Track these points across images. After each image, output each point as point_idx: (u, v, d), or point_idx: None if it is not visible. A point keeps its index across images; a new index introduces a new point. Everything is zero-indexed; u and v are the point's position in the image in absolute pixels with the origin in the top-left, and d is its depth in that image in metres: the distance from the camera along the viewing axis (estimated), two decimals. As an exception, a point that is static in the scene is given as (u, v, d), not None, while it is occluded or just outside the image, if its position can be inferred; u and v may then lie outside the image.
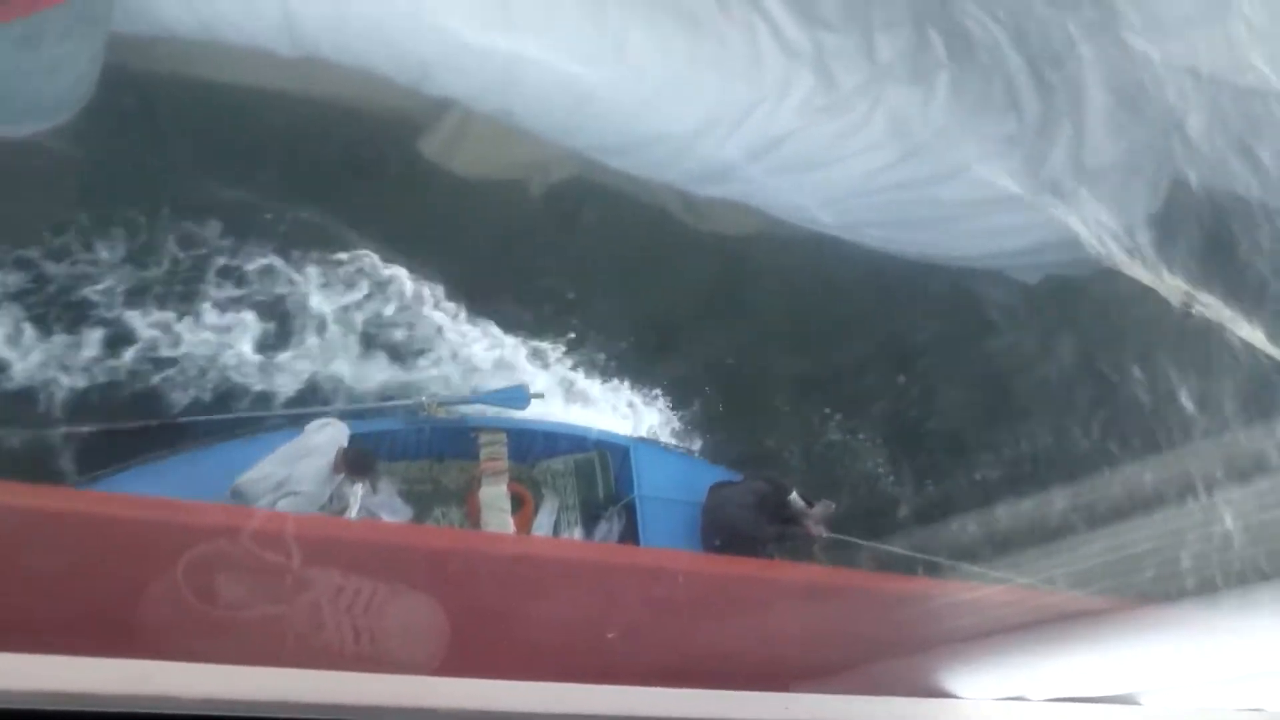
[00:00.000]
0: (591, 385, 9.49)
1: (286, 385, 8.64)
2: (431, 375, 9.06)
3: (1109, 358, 11.41)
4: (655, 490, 8.14)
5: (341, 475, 6.85)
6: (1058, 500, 9.86)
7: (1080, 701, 4.14)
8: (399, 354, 9.12)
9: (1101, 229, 10.94)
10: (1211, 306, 11.50)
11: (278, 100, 9.52)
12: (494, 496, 7.74)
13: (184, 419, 8.00)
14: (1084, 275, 11.48)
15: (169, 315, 8.64)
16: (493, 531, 7.47)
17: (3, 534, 4.43)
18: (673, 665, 5.25)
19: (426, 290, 9.48)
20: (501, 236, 10.05)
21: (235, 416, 8.11)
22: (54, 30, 7.88)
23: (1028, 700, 4.18)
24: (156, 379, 8.33)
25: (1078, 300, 11.51)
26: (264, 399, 8.51)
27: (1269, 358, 11.59)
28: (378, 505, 7.38)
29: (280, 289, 9.02)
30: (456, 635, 5.26)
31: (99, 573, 4.78)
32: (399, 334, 9.19)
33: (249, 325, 8.80)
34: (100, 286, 8.57)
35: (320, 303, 9.07)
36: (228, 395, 8.45)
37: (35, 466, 7.32)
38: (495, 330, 9.45)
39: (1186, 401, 11.38)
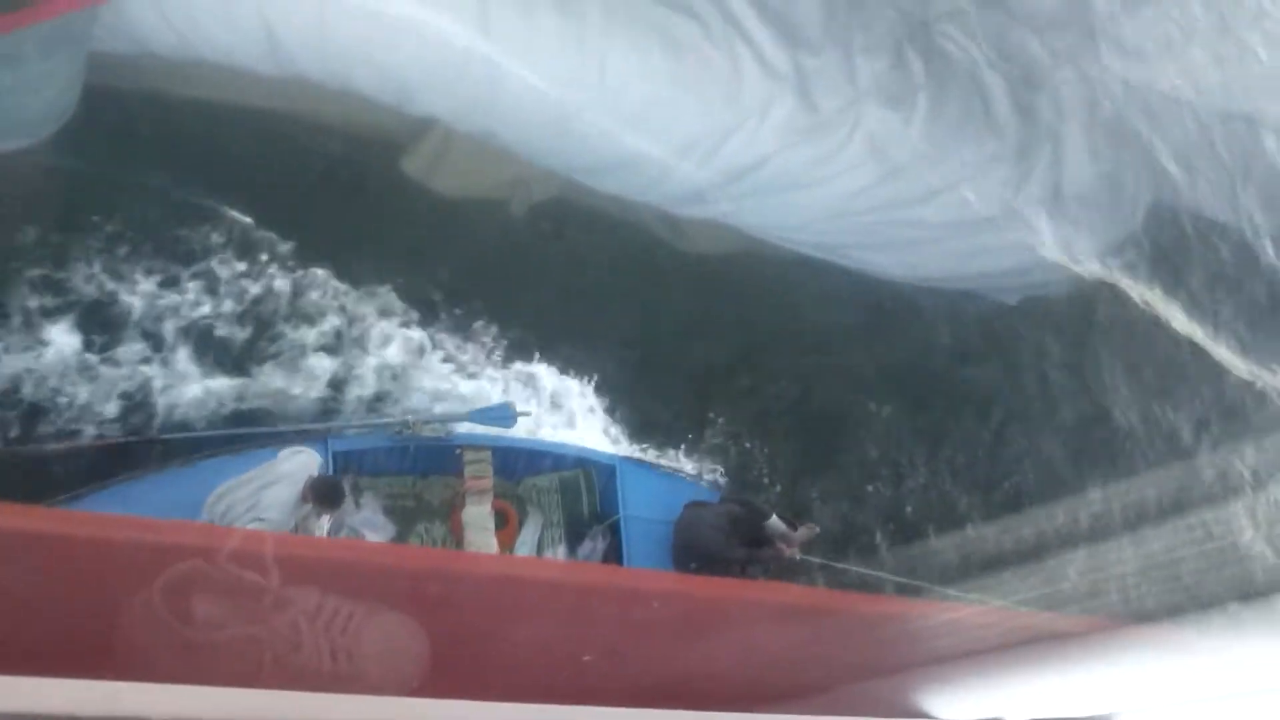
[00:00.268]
0: (574, 402, 9.51)
1: (267, 403, 8.63)
2: (414, 393, 9.06)
3: (1087, 378, 11.49)
4: (640, 510, 8.15)
5: (309, 505, 6.81)
6: (1036, 521, 9.92)
7: (1057, 721, 4.16)
8: (380, 372, 9.11)
9: (1080, 250, 11.03)
10: (1186, 325, 11.62)
11: (259, 118, 9.52)
12: (478, 516, 7.74)
13: (158, 438, 7.96)
14: (1063, 296, 11.57)
15: (145, 331, 8.63)
16: (471, 551, 7.46)
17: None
18: (651, 686, 5.24)
19: (409, 309, 9.48)
20: (483, 255, 10.07)
21: (215, 434, 8.08)
22: (34, 48, 7.86)
23: (1004, 720, 4.20)
24: (133, 396, 8.30)
25: (1057, 321, 11.59)
26: (244, 418, 8.49)
27: (1241, 378, 11.70)
28: (360, 522, 7.36)
29: (258, 306, 9.01)
30: (434, 655, 5.24)
31: (71, 593, 4.74)
32: (381, 352, 9.18)
33: (226, 342, 8.78)
34: (78, 301, 8.56)
35: (298, 319, 9.06)
36: (208, 413, 8.43)
37: (8, 486, 7.27)
38: (478, 348, 9.46)
39: (1165, 421, 11.47)
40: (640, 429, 9.55)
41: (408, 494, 8.14)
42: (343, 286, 9.35)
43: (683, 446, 9.63)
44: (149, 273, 8.87)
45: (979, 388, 11.09)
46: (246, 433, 8.13)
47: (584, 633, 5.15)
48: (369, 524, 7.50)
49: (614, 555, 8.14)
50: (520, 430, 8.48)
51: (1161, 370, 11.63)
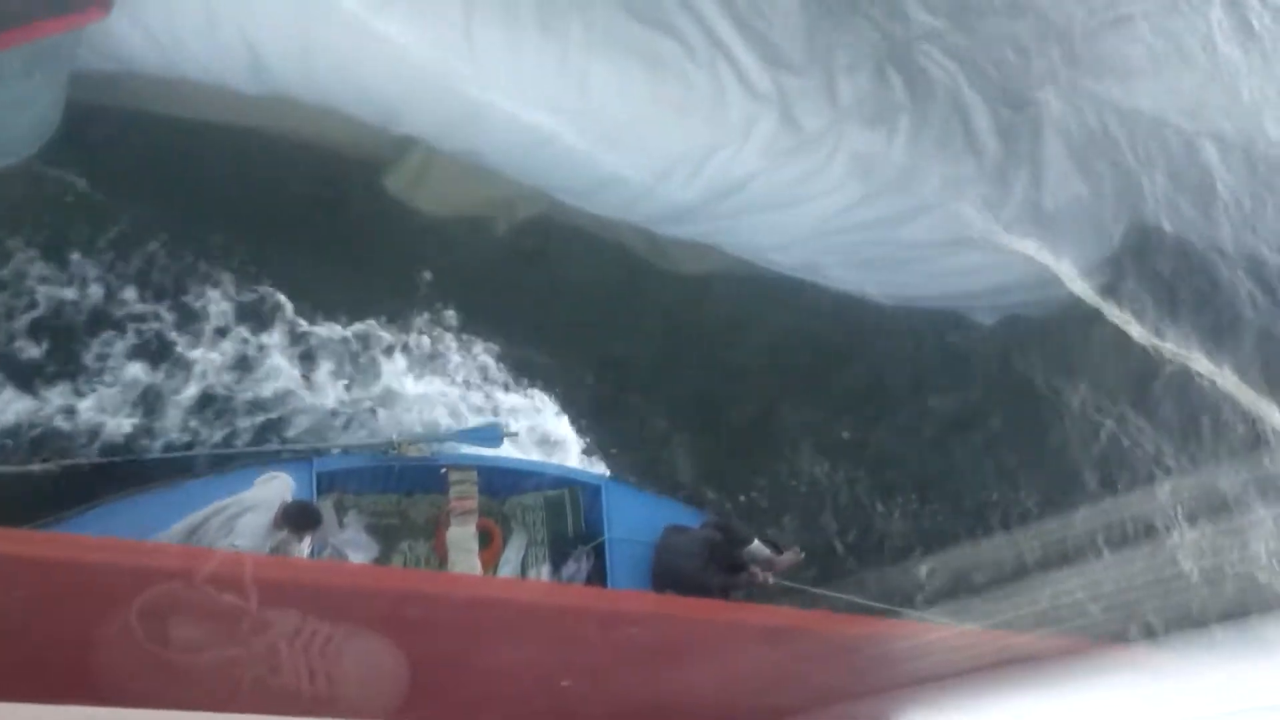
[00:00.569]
0: (557, 422, 9.52)
1: (249, 422, 8.62)
2: (397, 412, 9.07)
3: (1066, 397, 11.55)
4: (626, 531, 8.16)
5: (284, 531, 6.79)
6: (1017, 542, 9.96)
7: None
8: (365, 391, 9.11)
9: (1059, 270, 11.10)
10: (1170, 344, 11.69)
11: (242, 137, 9.54)
12: (461, 537, 7.74)
13: (142, 458, 7.95)
14: (1042, 316, 11.64)
15: (125, 350, 8.61)
16: (448, 573, 7.45)
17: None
18: (630, 709, 5.26)
19: (391, 327, 9.49)
20: (466, 273, 10.09)
21: (200, 454, 8.07)
22: (16, 68, 7.87)
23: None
24: (114, 418, 8.29)
25: (1036, 340, 11.66)
26: (229, 438, 8.48)
27: (1228, 396, 11.77)
28: (343, 541, 7.36)
29: (243, 324, 9.01)
30: (414, 678, 5.24)
31: (47, 616, 4.73)
32: (364, 371, 9.19)
33: (210, 361, 8.78)
34: (58, 320, 8.55)
35: (283, 338, 9.06)
36: (188, 435, 8.41)
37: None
38: (461, 367, 9.47)
39: (1142, 440, 11.54)
40: (624, 449, 9.55)
41: (392, 512, 8.15)
42: (325, 304, 9.35)
43: (665, 467, 9.65)
44: (132, 290, 8.86)
45: (957, 408, 11.12)
46: (231, 453, 8.12)
47: (563, 655, 5.16)
48: (352, 543, 7.50)
49: (598, 576, 8.15)
50: (506, 450, 8.48)
51: (1140, 389, 11.70)
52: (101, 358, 8.50)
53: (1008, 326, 11.65)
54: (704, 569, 7.57)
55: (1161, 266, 12.01)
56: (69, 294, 8.62)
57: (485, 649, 5.22)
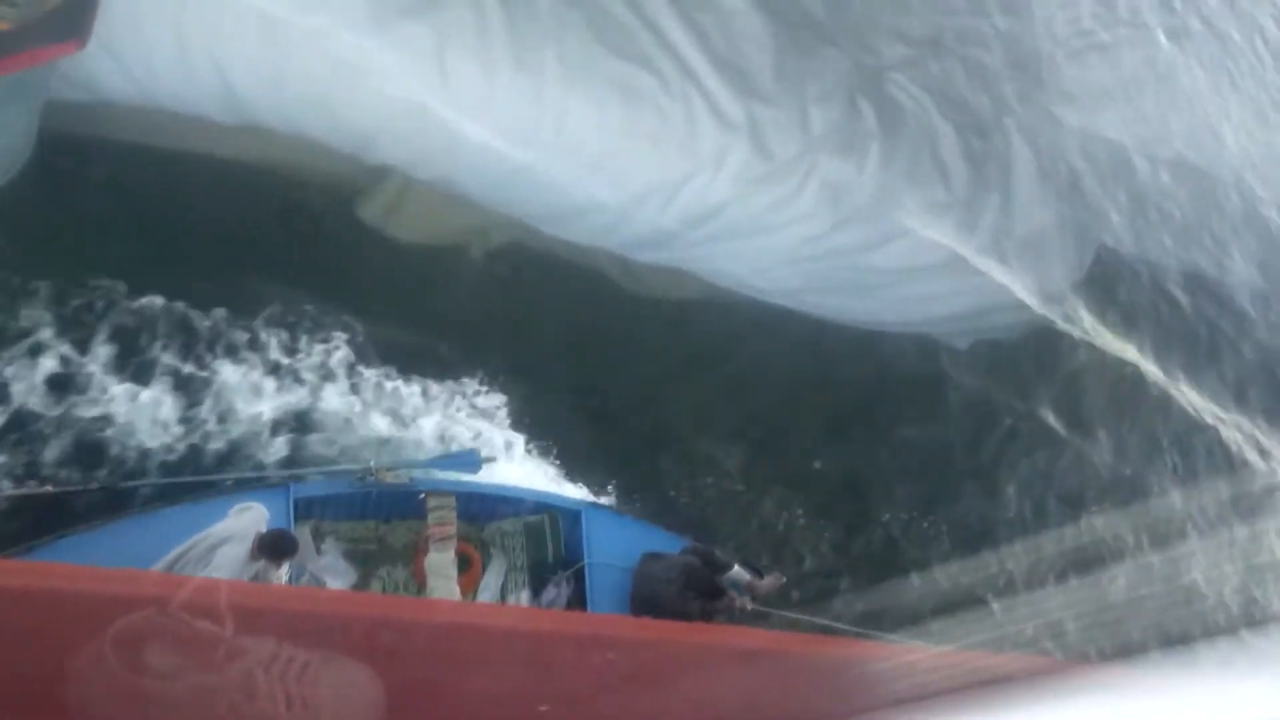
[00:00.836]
0: (532, 448, 9.53)
1: (225, 451, 8.59)
2: (374, 439, 9.05)
3: (1040, 419, 11.65)
4: (606, 556, 8.14)
5: (261, 561, 6.76)
6: (993, 564, 10.01)
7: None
8: (340, 418, 9.08)
9: (1029, 294, 11.22)
10: (1139, 365, 11.82)
11: (216, 166, 9.56)
12: (440, 563, 7.69)
13: (119, 485, 7.88)
14: (1013, 339, 11.76)
15: (99, 381, 8.57)
16: (424, 598, 7.41)
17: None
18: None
19: (366, 355, 9.48)
20: (441, 300, 10.11)
21: (175, 482, 8.01)
22: (-10, 99, 7.88)
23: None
24: (86, 446, 8.24)
25: (1009, 364, 11.76)
26: (201, 466, 8.43)
27: (1199, 415, 11.90)
28: (321, 568, 7.31)
29: (215, 354, 8.98)
30: (390, 703, 5.22)
31: (20, 646, 4.69)
32: (340, 398, 9.16)
33: (183, 390, 8.75)
34: (29, 350, 8.50)
35: (255, 367, 9.04)
36: (168, 461, 8.37)
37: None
38: (436, 394, 9.47)
39: (1115, 461, 11.64)
40: (603, 474, 9.55)
41: (370, 538, 8.11)
42: (299, 331, 9.34)
43: (645, 492, 9.64)
44: (103, 317, 8.83)
45: (932, 433, 11.20)
46: (207, 480, 8.08)
47: (542, 681, 5.15)
48: (330, 569, 7.45)
49: (578, 602, 8.10)
50: (484, 475, 8.46)
51: (1111, 410, 11.81)
52: (71, 384, 8.44)
53: (981, 350, 11.75)
54: (682, 595, 7.53)
55: (1129, 289, 12.15)
56: (39, 321, 8.57)
57: (463, 675, 5.21)
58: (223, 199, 9.52)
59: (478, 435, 9.31)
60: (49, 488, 7.62)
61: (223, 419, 8.76)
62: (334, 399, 9.13)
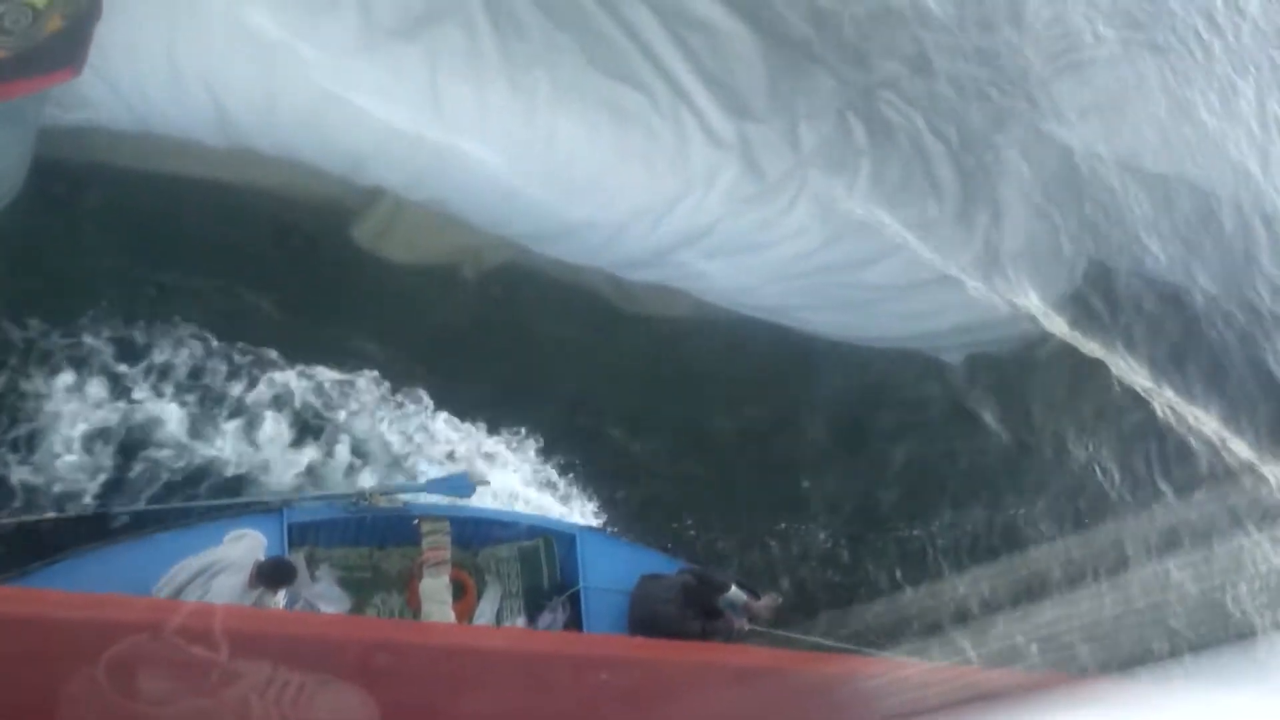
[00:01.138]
0: (529, 470, 9.52)
1: (219, 475, 8.58)
2: (367, 463, 9.04)
3: (1033, 433, 11.68)
4: (601, 580, 8.12)
5: (259, 589, 6.74)
6: (990, 578, 10.01)
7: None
8: (333, 442, 9.09)
9: (1021, 308, 11.26)
10: (1134, 380, 11.84)
11: (210, 189, 9.57)
12: (435, 589, 7.66)
13: (111, 510, 7.88)
14: (1005, 354, 11.79)
15: (96, 403, 8.58)
16: (422, 621, 7.39)
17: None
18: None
19: (360, 376, 9.49)
20: (434, 321, 10.13)
21: (169, 508, 8.00)
22: (-17, 126, 7.91)
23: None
24: (81, 470, 8.23)
25: (1000, 378, 11.79)
26: (197, 490, 8.43)
27: (1190, 428, 11.92)
28: (315, 594, 7.29)
29: (210, 377, 9.00)
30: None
31: (14, 673, 4.69)
32: (333, 421, 9.17)
33: (179, 415, 8.75)
34: (25, 376, 8.52)
35: (250, 390, 9.05)
36: (159, 486, 8.36)
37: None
38: (430, 416, 9.47)
39: (1110, 473, 11.66)
40: (597, 496, 9.56)
41: (364, 565, 8.09)
42: (292, 353, 9.35)
43: (639, 514, 9.64)
44: (98, 342, 8.84)
45: (926, 448, 11.21)
46: (201, 506, 8.06)
47: (537, 704, 5.14)
48: (324, 596, 7.43)
49: (575, 626, 8.05)
50: (478, 499, 8.45)
51: (1103, 423, 11.83)
52: (65, 407, 8.44)
53: (974, 365, 11.78)
54: (681, 615, 7.51)
55: (1120, 302, 12.19)
56: (36, 346, 8.59)
57: (459, 698, 5.21)
58: (216, 222, 9.55)
59: (470, 457, 9.31)
60: (50, 514, 7.62)
61: (215, 441, 8.75)
62: (324, 421, 9.12)
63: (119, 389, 8.70)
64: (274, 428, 8.99)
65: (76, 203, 9.24)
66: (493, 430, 9.60)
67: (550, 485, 9.49)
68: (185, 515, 7.78)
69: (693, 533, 9.76)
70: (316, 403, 9.21)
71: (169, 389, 8.84)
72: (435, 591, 7.63)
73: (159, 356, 8.94)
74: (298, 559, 7.46)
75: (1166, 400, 11.76)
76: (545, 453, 9.64)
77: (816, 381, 11.18)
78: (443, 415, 9.48)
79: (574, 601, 8.12)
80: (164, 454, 8.58)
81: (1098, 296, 12.01)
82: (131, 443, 8.55)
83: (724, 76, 10.47)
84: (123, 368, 8.80)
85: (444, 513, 8.14)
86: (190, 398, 8.87)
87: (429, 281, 10.25)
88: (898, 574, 10.21)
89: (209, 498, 8.32)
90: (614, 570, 8.14)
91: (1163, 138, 12.89)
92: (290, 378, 9.19)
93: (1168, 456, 11.82)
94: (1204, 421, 11.80)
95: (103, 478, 8.29)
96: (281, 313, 9.53)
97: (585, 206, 9.94)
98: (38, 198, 8.88)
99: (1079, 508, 11.34)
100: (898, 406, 11.38)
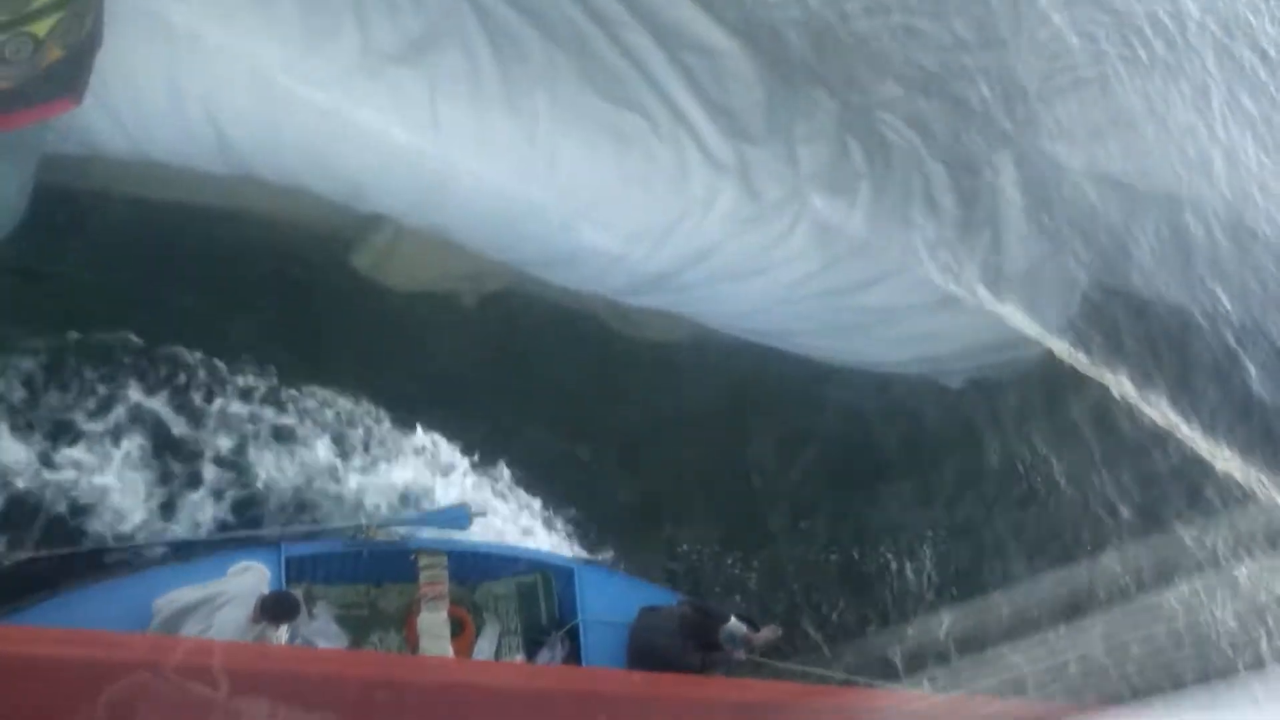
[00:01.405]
0: (527, 502, 9.47)
1: (213, 508, 8.54)
2: (366, 495, 9.00)
3: (1033, 458, 11.64)
4: (599, 614, 8.07)
5: (263, 623, 6.71)
6: (992, 608, 9.96)
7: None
8: (332, 474, 9.05)
9: (1022, 331, 11.24)
10: (1132, 400, 11.80)
11: (210, 216, 9.58)
12: (433, 623, 7.61)
13: (105, 545, 7.82)
14: (1006, 378, 11.78)
15: (91, 433, 8.55)
16: (422, 657, 7.34)
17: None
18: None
19: (359, 404, 9.47)
20: (434, 347, 10.11)
21: (164, 542, 7.96)
22: (-16, 158, 7.90)
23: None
24: (72, 504, 8.18)
25: (1001, 403, 11.77)
26: (195, 524, 8.38)
27: (1192, 451, 11.88)
28: (313, 632, 7.26)
29: (207, 406, 8.97)
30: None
31: (15, 713, 4.66)
32: (331, 451, 9.14)
33: (177, 446, 8.73)
34: (26, 406, 8.49)
35: (248, 419, 9.03)
36: (157, 520, 8.31)
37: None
38: (429, 445, 9.45)
39: (1114, 498, 11.62)
40: (594, 528, 9.50)
41: (362, 603, 8.04)
42: (291, 382, 9.33)
43: (638, 546, 9.59)
44: (96, 372, 8.82)
45: (928, 474, 11.19)
46: (196, 540, 8.01)
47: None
48: (322, 633, 7.39)
49: (574, 661, 8.01)
50: (476, 533, 8.41)
51: (1105, 446, 11.79)
52: (59, 442, 8.41)
53: (974, 389, 11.76)
54: (681, 647, 7.47)
55: (1121, 324, 12.17)
56: (29, 375, 8.56)
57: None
58: (217, 249, 9.54)
59: (467, 490, 9.26)
60: (41, 551, 7.57)
61: (214, 473, 8.71)
62: (323, 450, 9.09)
63: (113, 420, 8.65)
64: (270, 457, 8.95)
65: (78, 230, 9.23)
66: (491, 461, 9.54)
67: (548, 518, 9.43)
68: (180, 549, 7.73)
69: (692, 564, 9.71)
70: (309, 432, 9.17)
71: (161, 418, 8.78)
72: (433, 626, 7.59)
73: (155, 385, 8.89)
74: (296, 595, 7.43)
75: (1167, 421, 11.72)
76: (545, 483, 9.59)
77: (817, 407, 11.16)
78: (441, 445, 9.44)
79: (572, 636, 8.08)
80: (153, 484, 8.51)
81: (1099, 318, 11.99)
82: (126, 471, 8.50)
83: (722, 99, 10.48)
84: (115, 396, 8.77)
85: (442, 547, 8.10)
86: (188, 427, 8.82)
87: (429, 308, 10.24)
88: (899, 602, 10.16)
89: (203, 532, 8.28)
90: (612, 603, 8.09)
91: (1163, 157, 12.90)
92: (285, 408, 9.15)
93: (1167, 478, 11.79)
94: (1202, 443, 11.77)
95: (91, 514, 8.22)
96: (280, 340, 9.51)
97: (585, 231, 9.93)
98: (39, 225, 8.87)
99: (1081, 533, 11.29)
100: (899, 431, 11.35)
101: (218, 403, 8.99)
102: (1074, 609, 10.13)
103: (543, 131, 9.62)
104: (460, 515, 8.21)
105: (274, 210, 9.77)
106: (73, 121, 8.65)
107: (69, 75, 7.88)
